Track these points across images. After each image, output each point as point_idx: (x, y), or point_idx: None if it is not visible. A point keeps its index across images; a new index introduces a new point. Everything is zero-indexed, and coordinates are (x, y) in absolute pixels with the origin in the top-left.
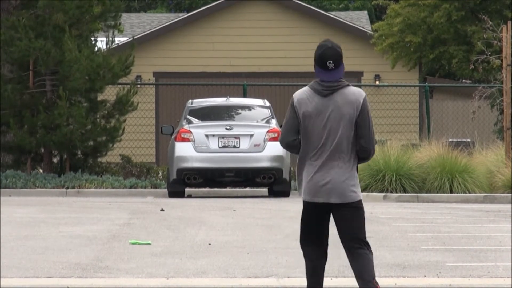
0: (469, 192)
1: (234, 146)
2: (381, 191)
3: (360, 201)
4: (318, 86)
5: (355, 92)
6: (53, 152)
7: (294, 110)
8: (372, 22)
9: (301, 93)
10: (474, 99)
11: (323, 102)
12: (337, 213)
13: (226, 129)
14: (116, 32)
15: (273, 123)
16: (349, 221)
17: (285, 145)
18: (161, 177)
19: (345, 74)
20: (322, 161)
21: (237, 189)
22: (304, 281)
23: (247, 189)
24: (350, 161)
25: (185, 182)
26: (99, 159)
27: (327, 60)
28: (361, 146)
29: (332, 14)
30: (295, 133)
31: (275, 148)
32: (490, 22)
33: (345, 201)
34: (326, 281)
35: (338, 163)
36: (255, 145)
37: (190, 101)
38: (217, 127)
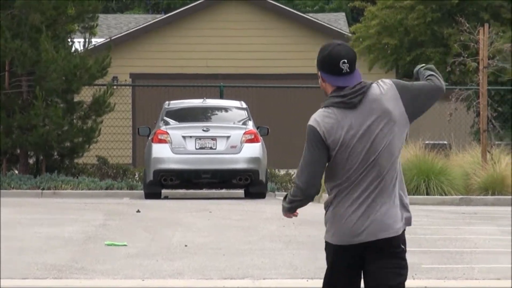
0: (446, 194)
1: (211, 148)
2: None
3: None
4: (339, 98)
5: (380, 83)
6: (29, 153)
7: (320, 143)
8: (348, 24)
9: (323, 117)
10: (450, 101)
11: (357, 116)
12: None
13: (203, 130)
14: (91, 34)
15: (250, 125)
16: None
17: (312, 194)
18: (137, 178)
19: None
20: (373, 196)
21: (214, 191)
22: (279, 283)
23: (224, 190)
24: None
25: (161, 183)
26: (76, 160)
27: (341, 59)
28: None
29: (310, 16)
30: (320, 178)
31: (252, 150)
32: (467, 25)
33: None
34: (302, 283)
35: (390, 195)
36: (232, 147)
37: (167, 102)
38: (194, 129)
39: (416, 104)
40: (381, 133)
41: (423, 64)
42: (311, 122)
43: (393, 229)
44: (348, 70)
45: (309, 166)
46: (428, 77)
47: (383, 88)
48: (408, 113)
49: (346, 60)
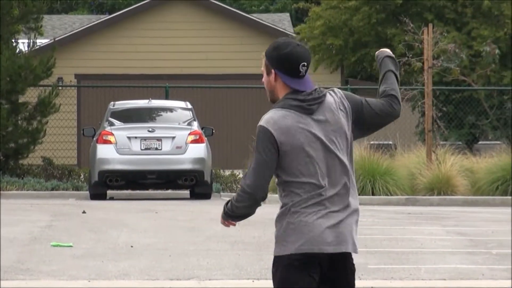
0: (391, 195)
1: (156, 148)
2: None
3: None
4: (297, 102)
5: (333, 94)
6: None
7: (272, 145)
8: (293, 25)
9: (278, 117)
10: None
11: (315, 123)
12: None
13: (148, 131)
14: (37, 34)
15: (195, 125)
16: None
17: (260, 199)
18: (83, 179)
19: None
20: (336, 205)
21: (159, 191)
22: (224, 283)
23: (169, 191)
24: (355, 188)
25: (107, 184)
26: (21, 161)
27: (301, 62)
28: (384, 106)
29: (254, 16)
30: (269, 183)
31: (197, 150)
32: (412, 25)
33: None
34: (248, 284)
35: (349, 199)
36: (177, 147)
37: (112, 103)
38: (139, 129)
39: (364, 127)
40: (337, 142)
41: (387, 52)
42: (263, 122)
43: (355, 244)
44: (304, 73)
45: (258, 168)
46: (389, 96)
47: (337, 99)
48: (355, 132)
49: (306, 64)
